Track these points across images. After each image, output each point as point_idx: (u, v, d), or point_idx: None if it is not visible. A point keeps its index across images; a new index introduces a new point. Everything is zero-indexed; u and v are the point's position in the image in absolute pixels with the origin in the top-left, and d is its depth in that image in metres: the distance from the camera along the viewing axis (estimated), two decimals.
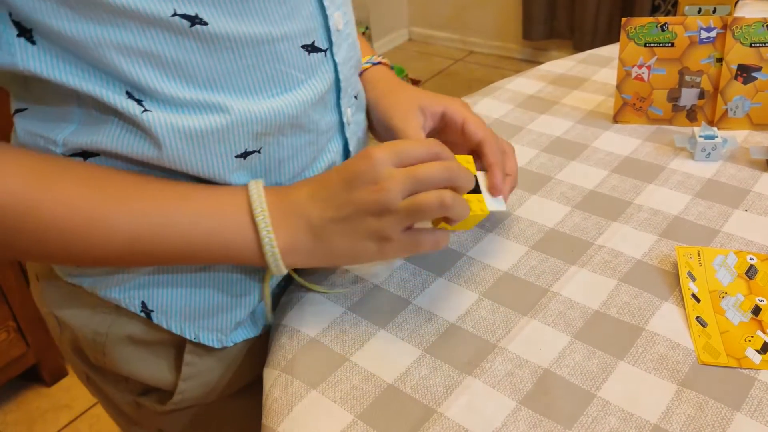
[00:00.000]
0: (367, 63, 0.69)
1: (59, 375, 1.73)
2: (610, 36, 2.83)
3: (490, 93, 0.92)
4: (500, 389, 0.50)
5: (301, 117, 0.55)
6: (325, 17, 0.55)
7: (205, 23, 0.47)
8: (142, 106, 0.49)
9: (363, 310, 0.58)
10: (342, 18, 0.57)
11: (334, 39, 0.56)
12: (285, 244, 0.52)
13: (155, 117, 0.49)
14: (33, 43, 0.46)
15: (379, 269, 0.62)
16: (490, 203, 0.57)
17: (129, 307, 0.58)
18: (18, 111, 0.53)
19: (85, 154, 0.52)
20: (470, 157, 0.58)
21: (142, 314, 0.58)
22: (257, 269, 0.59)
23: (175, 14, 0.46)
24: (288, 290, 0.63)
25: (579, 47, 2.89)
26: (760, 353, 0.51)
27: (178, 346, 0.61)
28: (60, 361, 1.72)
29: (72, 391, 1.70)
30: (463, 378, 0.51)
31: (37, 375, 1.70)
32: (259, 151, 0.54)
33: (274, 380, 0.54)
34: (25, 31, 0.46)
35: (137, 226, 0.49)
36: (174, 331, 0.59)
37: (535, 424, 0.47)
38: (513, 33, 3.19)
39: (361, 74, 0.68)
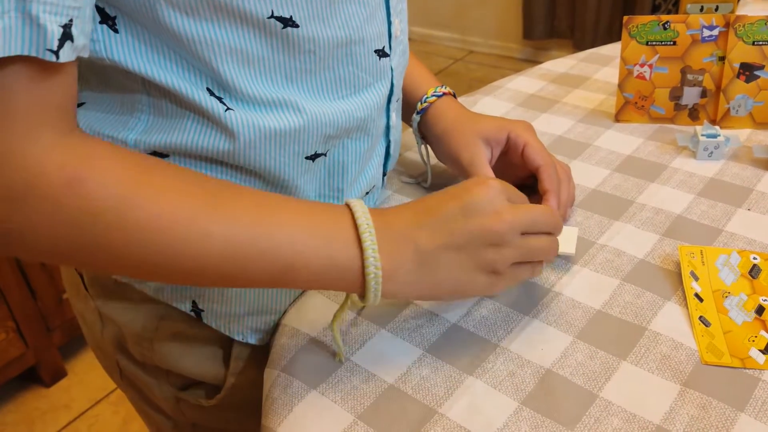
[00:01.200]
0: (432, 96, 0.69)
1: (58, 375, 1.72)
2: (611, 35, 2.83)
3: (491, 92, 0.92)
4: (502, 389, 0.50)
5: (367, 120, 0.57)
6: (390, 23, 0.57)
7: (297, 25, 0.48)
8: (223, 103, 0.49)
9: (363, 310, 0.58)
10: (400, 25, 0.60)
11: (393, 45, 0.59)
12: (389, 268, 0.47)
13: (234, 114, 0.50)
14: (116, 31, 0.46)
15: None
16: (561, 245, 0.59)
17: (180, 307, 0.60)
18: (81, 104, 0.52)
19: (156, 155, 0.52)
20: None
21: (192, 314, 0.60)
22: None
23: (272, 16, 0.47)
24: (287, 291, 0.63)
25: (579, 47, 2.89)
26: (763, 353, 0.51)
27: (227, 341, 0.63)
28: (59, 361, 1.71)
29: (71, 392, 1.70)
30: (464, 378, 0.51)
31: (36, 375, 1.70)
32: (325, 154, 0.56)
33: (274, 380, 0.53)
34: (108, 18, 0.46)
35: (235, 233, 0.44)
36: (222, 331, 0.61)
37: (537, 425, 0.47)
38: (513, 32, 3.19)
39: (427, 109, 0.69)
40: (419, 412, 0.49)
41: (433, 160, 0.72)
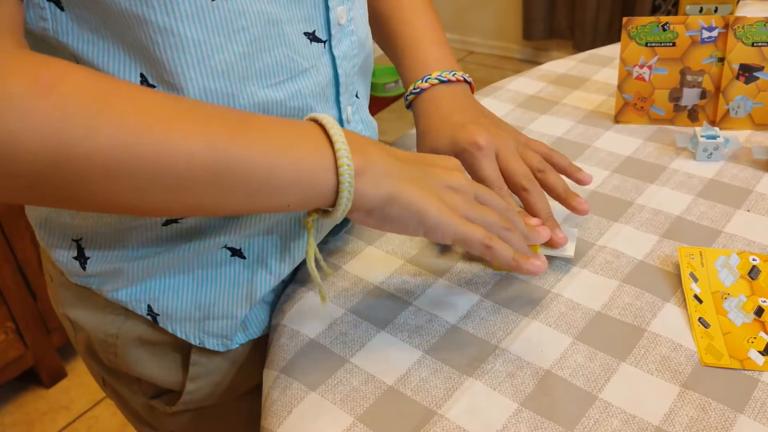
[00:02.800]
0: (410, 94, 0.68)
1: (58, 376, 1.72)
2: (611, 36, 2.83)
3: (491, 93, 0.92)
4: (501, 391, 0.50)
5: (305, 109, 0.55)
6: (327, 8, 0.55)
7: None
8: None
9: (363, 311, 0.58)
10: (346, 14, 0.57)
11: (333, 32, 0.56)
12: (359, 164, 0.48)
13: None
14: (62, 9, 0.46)
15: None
16: (553, 249, 0.59)
17: (136, 310, 0.59)
18: None
19: None
20: None
21: (149, 317, 0.59)
22: (260, 267, 0.59)
23: None
24: (287, 291, 0.63)
25: (579, 47, 2.89)
26: (763, 354, 0.51)
27: (186, 346, 0.62)
28: (58, 362, 1.71)
29: (70, 393, 1.70)
30: (464, 379, 0.51)
31: (35, 376, 1.70)
32: None
33: (273, 381, 0.53)
34: None
35: (214, 140, 0.43)
36: (179, 335, 0.60)
37: (536, 426, 0.47)
38: (513, 33, 3.19)
39: (412, 101, 0.68)
40: (419, 413, 0.49)
41: None
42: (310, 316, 0.58)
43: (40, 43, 0.48)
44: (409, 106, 0.69)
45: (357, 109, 0.64)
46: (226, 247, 0.57)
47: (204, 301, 0.58)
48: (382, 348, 0.54)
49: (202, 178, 0.44)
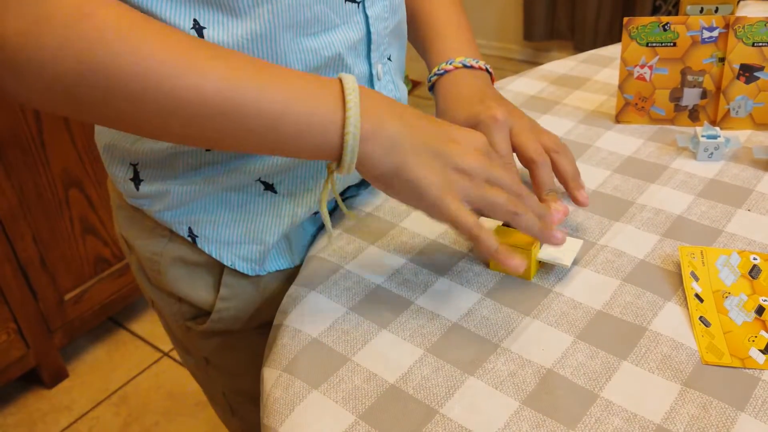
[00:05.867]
0: (434, 75, 0.71)
1: (59, 377, 1.73)
2: (611, 37, 2.83)
3: None
4: (503, 389, 0.50)
5: (336, 61, 0.60)
6: None
7: None
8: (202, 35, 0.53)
9: (365, 310, 0.58)
10: None
11: None
12: (368, 128, 0.50)
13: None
14: None
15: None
16: (546, 252, 0.59)
17: (178, 231, 0.65)
18: None
19: None
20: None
21: (189, 239, 0.66)
22: (290, 202, 0.64)
23: None
24: (289, 291, 0.63)
25: (580, 48, 2.89)
26: (763, 353, 0.51)
27: (219, 269, 0.67)
28: (60, 362, 1.72)
29: (72, 393, 1.70)
30: (465, 378, 0.51)
31: (37, 377, 1.70)
32: None
33: (276, 380, 0.53)
34: None
35: (230, 78, 0.48)
36: (214, 256, 0.66)
37: (538, 425, 0.47)
38: (514, 34, 3.19)
39: (435, 83, 0.71)
40: (420, 412, 0.49)
41: None
42: (312, 315, 0.58)
43: None
44: (431, 88, 0.72)
45: (389, 70, 0.68)
46: (260, 180, 0.62)
47: (237, 226, 0.64)
48: (383, 347, 0.55)
49: (214, 113, 0.48)
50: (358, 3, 0.60)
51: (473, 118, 0.64)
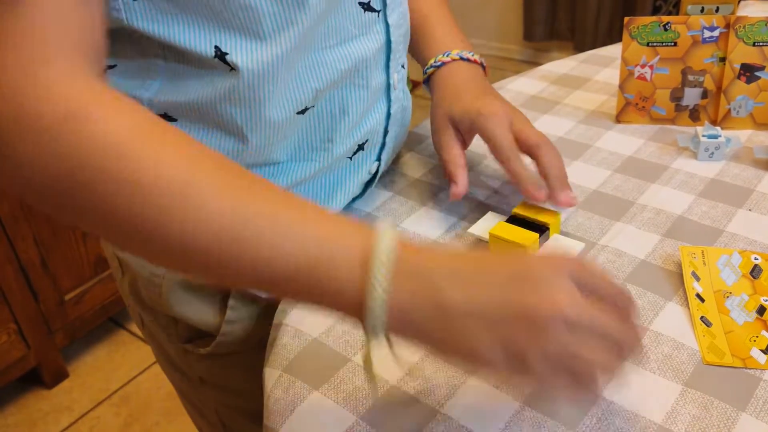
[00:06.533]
0: (431, 67, 0.71)
1: (60, 377, 1.73)
2: (611, 37, 2.83)
3: None
4: (504, 389, 0.50)
5: (353, 72, 0.60)
6: None
7: None
8: (226, 62, 0.52)
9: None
10: None
11: (388, 2, 0.61)
12: (398, 303, 0.39)
13: (235, 55, 0.52)
14: None
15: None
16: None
17: None
18: (108, 67, 0.55)
19: (167, 118, 0.56)
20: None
21: None
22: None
23: None
24: None
25: (580, 48, 2.89)
26: (765, 353, 0.51)
27: (225, 292, 0.66)
28: (61, 363, 1.72)
29: (73, 394, 1.70)
30: (466, 378, 0.51)
31: (37, 377, 1.70)
32: (314, 106, 0.59)
33: (276, 381, 0.53)
34: None
35: (236, 216, 0.40)
36: None
37: (538, 425, 0.47)
38: (514, 34, 3.19)
39: (431, 76, 0.71)
40: (421, 412, 0.49)
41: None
42: (312, 315, 0.58)
43: (118, 36, 0.51)
44: (426, 81, 0.72)
45: (402, 78, 0.68)
46: None
47: None
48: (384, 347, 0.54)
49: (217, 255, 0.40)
50: (378, 12, 0.60)
51: (470, 112, 0.64)
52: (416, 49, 0.75)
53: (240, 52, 0.52)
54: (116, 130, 0.40)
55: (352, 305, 0.40)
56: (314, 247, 0.40)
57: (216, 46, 0.52)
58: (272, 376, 0.54)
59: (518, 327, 0.38)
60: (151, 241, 0.41)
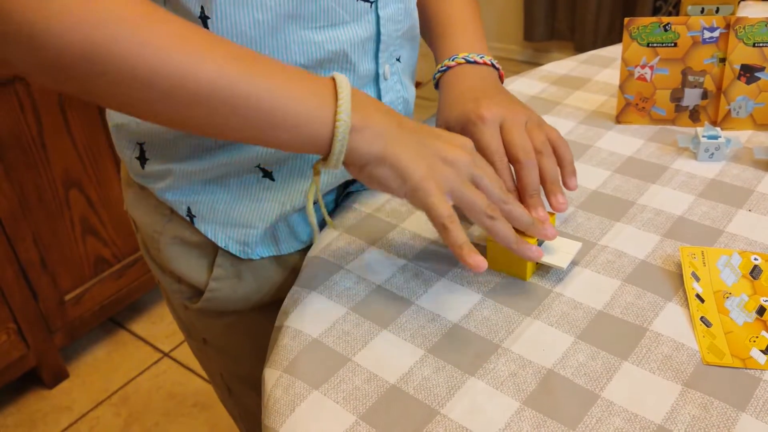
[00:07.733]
0: (438, 72, 0.71)
1: (60, 377, 1.73)
2: (611, 37, 2.83)
3: None
4: (504, 390, 0.50)
5: (340, 56, 0.61)
6: None
7: None
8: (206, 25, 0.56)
9: (365, 310, 0.58)
10: None
11: None
12: (358, 123, 0.52)
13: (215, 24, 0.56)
14: None
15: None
16: (548, 256, 0.59)
17: (178, 211, 0.68)
18: None
19: None
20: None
21: (187, 218, 0.68)
22: (286, 191, 0.66)
23: None
24: (289, 293, 0.63)
25: (580, 48, 2.89)
26: (764, 353, 0.51)
27: (213, 248, 0.70)
28: (60, 363, 1.72)
29: (72, 394, 1.70)
30: (466, 379, 0.51)
31: (37, 377, 1.70)
32: None
33: (276, 381, 0.53)
34: None
35: (227, 68, 0.49)
36: (209, 236, 0.68)
37: (538, 425, 0.47)
38: (514, 34, 3.19)
39: (439, 79, 0.72)
40: (421, 412, 0.49)
41: None
42: (313, 316, 0.58)
43: None
44: (437, 85, 0.73)
45: (397, 71, 0.70)
46: (259, 166, 0.64)
47: (233, 209, 0.66)
48: (384, 347, 0.54)
49: (206, 101, 0.49)
50: (371, 3, 0.62)
51: (463, 116, 0.64)
52: (433, 52, 0.76)
53: (222, 18, 0.55)
54: (123, 8, 0.47)
55: (322, 130, 0.52)
56: (292, 81, 0.52)
57: (201, 7, 0.54)
58: (272, 376, 0.54)
59: (437, 155, 0.54)
60: (160, 103, 0.49)
